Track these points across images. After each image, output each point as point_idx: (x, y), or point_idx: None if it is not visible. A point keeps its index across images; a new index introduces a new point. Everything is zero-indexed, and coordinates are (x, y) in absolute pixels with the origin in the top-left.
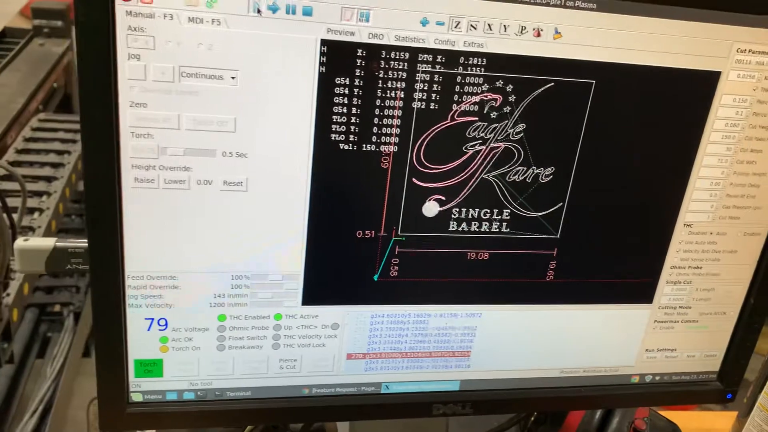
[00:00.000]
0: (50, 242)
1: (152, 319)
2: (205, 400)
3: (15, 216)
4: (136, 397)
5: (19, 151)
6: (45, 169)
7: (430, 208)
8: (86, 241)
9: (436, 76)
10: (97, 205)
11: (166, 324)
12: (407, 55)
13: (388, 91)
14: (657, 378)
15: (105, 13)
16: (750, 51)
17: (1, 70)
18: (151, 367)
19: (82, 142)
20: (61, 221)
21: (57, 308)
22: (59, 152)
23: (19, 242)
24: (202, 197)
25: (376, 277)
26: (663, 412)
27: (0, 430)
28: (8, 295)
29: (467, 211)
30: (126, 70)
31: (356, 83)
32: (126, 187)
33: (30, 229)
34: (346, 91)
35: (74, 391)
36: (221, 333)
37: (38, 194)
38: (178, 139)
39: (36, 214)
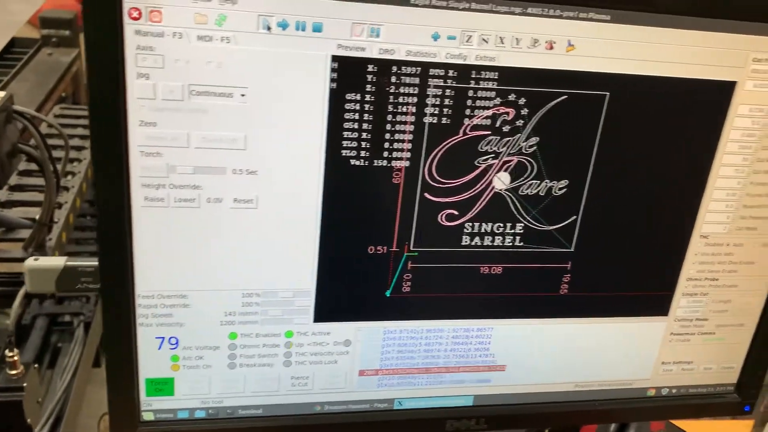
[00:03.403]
0: (60, 261)
1: (163, 337)
2: (217, 418)
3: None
4: (147, 416)
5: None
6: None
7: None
8: (96, 260)
9: (448, 90)
10: (107, 224)
11: (177, 343)
12: (419, 70)
13: (400, 106)
14: (673, 391)
15: (114, 33)
16: (767, 60)
17: (11, 80)
18: (163, 386)
19: (93, 161)
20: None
21: (67, 318)
22: (85, 126)
23: (29, 262)
24: (212, 215)
25: (388, 293)
26: (678, 422)
27: None
28: (50, 240)
29: (480, 226)
30: (135, 89)
31: (367, 99)
32: (136, 207)
33: (65, 189)
34: (358, 107)
35: (85, 401)
36: (232, 351)
37: (70, 160)
38: (188, 158)
39: (69, 177)
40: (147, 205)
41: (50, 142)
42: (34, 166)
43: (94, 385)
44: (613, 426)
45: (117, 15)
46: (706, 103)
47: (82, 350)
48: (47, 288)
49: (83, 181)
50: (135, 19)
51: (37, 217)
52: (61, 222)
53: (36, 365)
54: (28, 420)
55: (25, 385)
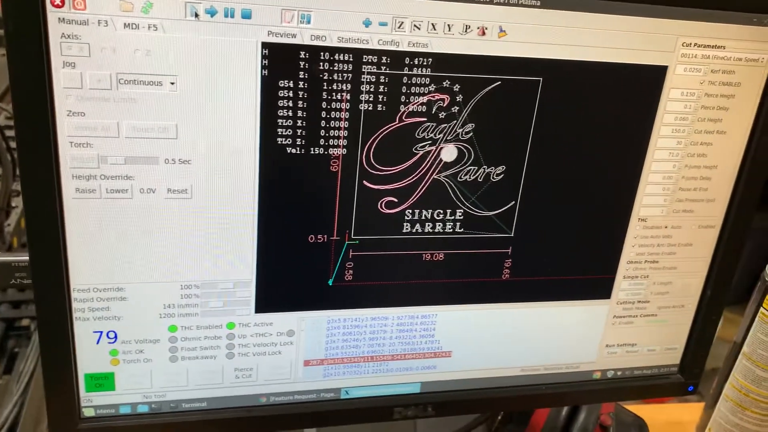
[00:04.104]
0: None
1: (101, 332)
2: (160, 412)
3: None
4: (88, 412)
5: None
6: None
7: None
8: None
9: (382, 77)
10: (37, 217)
11: (116, 337)
12: (351, 57)
13: (334, 93)
14: (619, 373)
15: (36, 21)
16: (695, 45)
17: None
18: (103, 381)
19: (19, 153)
20: None
21: (24, 322)
22: None
23: None
24: (146, 206)
25: (330, 282)
26: (629, 406)
27: None
28: (9, 225)
29: (420, 213)
30: (61, 78)
31: (300, 86)
32: (67, 198)
33: None
34: (291, 94)
35: (42, 406)
36: (173, 344)
37: None
38: (119, 148)
39: None
40: (78, 197)
41: (7, 133)
42: None
43: None
44: (564, 410)
45: (39, 2)
46: (639, 87)
47: (39, 354)
48: None
49: None
50: (58, 6)
51: None
52: (20, 208)
53: None
54: None
55: None
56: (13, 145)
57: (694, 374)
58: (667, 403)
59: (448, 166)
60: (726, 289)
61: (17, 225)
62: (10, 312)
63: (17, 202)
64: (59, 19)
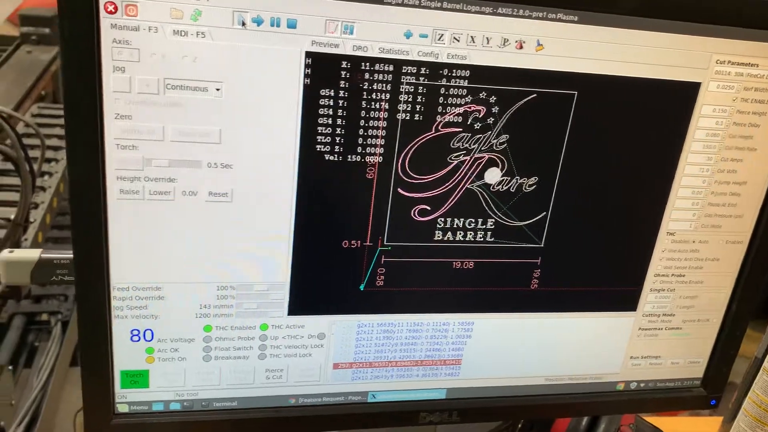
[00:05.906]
0: (35, 254)
1: (138, 330)
2: (192, 410)
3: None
4: (122, 408)
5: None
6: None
7: None
8: (72, 252)
9: (420, 87)
10: (82, 216)
11: (152, 335)
12: (391, 67)
13: (373, 103)
14: (642, 385)
15: (90, 26)
16: (729, 62)
17: None
18: (137, 378)
19: (67, 154)
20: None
21: (44, 317)
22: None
23: (4, 254)
24: (187, 208)
25: (362, 287)
26: (648, 418)
27: None
28: (26, 240)
29: (452, 221)
30: (111, 82)
31: (341, 95)
32: (111, 199)
33: (42, 189)
34: (331, 103)
35: (61, 400)
36: (207, 344)
37: (47, 160)
38: (163, 151)
39: (46, 177)
40: (122, 197)
41: (27, 141)
42: (10, 166)
43: (73, 385)
44: (585, 419)
45: (93, 9)
46: (672, 103)
47: (59, 349)
48: (23, 280)
49: (60, 181)
50: (111, 12)
51: (12, 216)
52: (38, 222)
53: (11, 367)
54: (1, 423)
55: None
56: (32, 154)
57: (716, 388)
58: (680, 416)
59: (481, 176)
60: (751, 304)
61: (35, 239)
62: (31, 306)
63: (35, 216)
64: (111, 24)
